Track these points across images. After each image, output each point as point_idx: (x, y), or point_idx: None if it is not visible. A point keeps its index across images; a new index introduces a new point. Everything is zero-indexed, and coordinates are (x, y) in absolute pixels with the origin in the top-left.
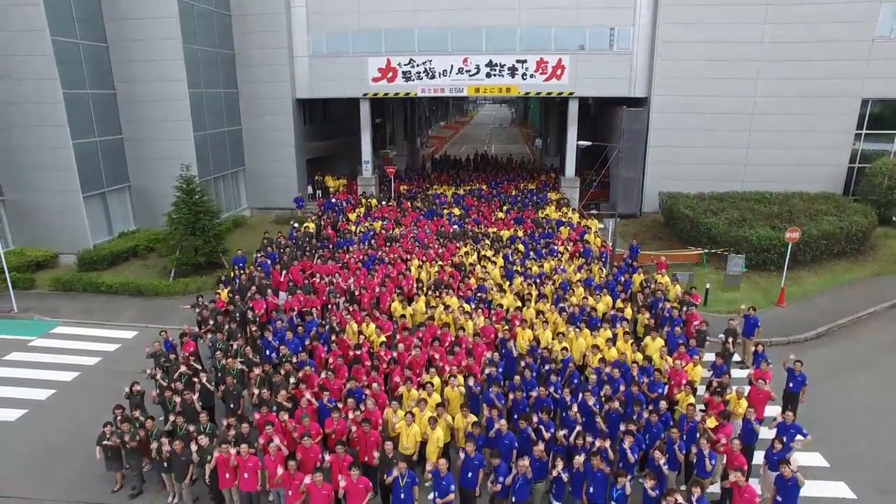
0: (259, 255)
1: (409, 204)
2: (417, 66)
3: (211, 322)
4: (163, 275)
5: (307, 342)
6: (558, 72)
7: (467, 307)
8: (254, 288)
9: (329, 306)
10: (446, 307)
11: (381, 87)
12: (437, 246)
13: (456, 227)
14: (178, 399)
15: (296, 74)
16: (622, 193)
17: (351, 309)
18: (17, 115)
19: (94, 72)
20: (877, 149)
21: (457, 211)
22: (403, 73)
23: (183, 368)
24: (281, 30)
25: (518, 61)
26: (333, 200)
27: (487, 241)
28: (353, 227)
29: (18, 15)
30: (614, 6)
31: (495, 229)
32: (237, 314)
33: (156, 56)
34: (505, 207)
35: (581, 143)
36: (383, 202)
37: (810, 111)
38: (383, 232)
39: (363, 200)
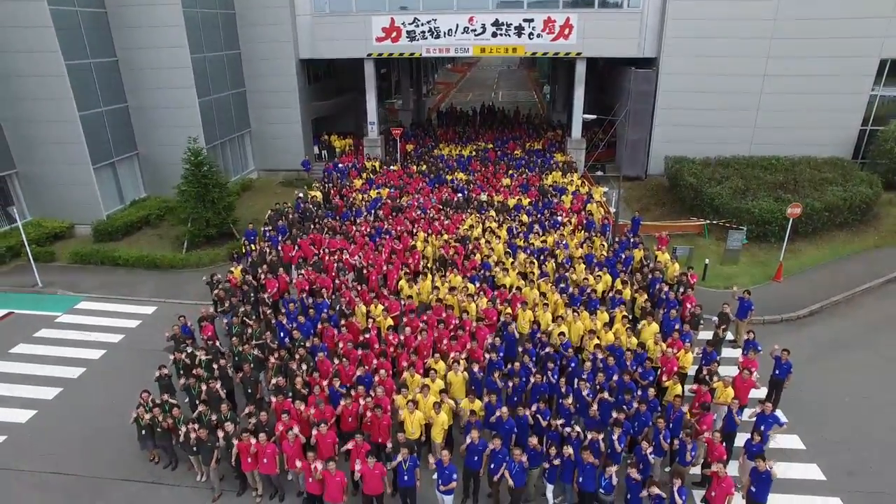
0: (268, 228)
1: (414, 168)
2: (422, 25)
3: (227, 303)
4: (176, 245)
5: (318, 325)
6: (566, 31)
7: (471, 287)
8: (265, 266)
9: (338, 283)
10: (451, 289)
11: (385, 47)
12: (442, 217)
13: (461, 194)
14: (203, 387)
15: (298, 34)
16: (628, 155)
17: (360, 289)
18: (23, 88)
19: (95, 40)
20: (892, 110)
21: (462, 175)
22: (408, 32)
23: (202, 355)
24: None
25: (525, 20)
26: (340, 165)
27: (492, 212)
28: (360, 196)
29: None
30: None
31: (501, 197)
32: (251, 294)
33: (156, 22)
34: (510, 172)
35: (587, 116)
36: (389, 167)
37: (824, 72)
38: (389, 201)
39: (368, 164)
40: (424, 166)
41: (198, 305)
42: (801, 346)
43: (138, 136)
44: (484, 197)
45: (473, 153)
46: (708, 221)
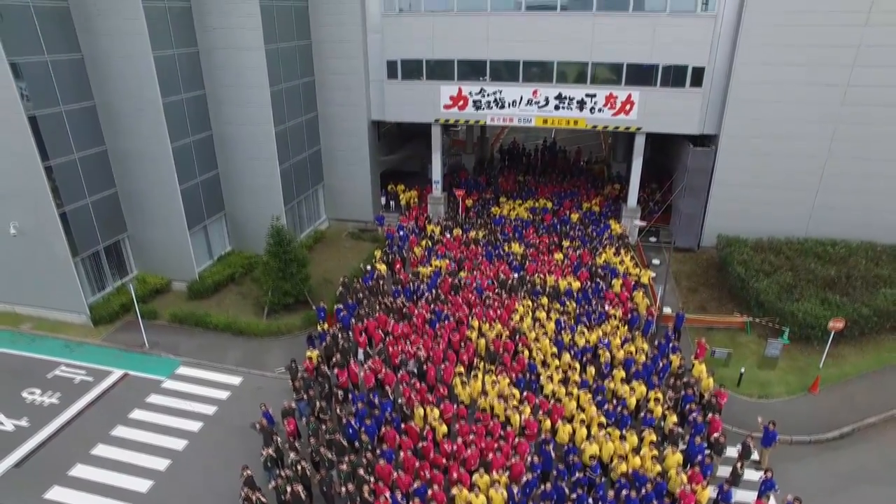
0: (339, 307)
1: (472, 234)
2: (488, 95)
3: (304, 395)
4: (257, 307)
5: (382, 428)
6: (627, 107)
7: (517, 394)
8: (338, 355)
9: (400, 376)
10: (499, 397)
11: (451, 114)
12: (496, 304)
13: (515, 275)
14: (289, 489)
15: (371, 98)
16: (682, 228)
17: (418, 386)
18: (137, 166)
19: (196, 119)
20: None
21: (517, 249)
22: (474, 101)
23: (293, 456)
24: (357, 56)
25: (587, 95)
26: (401, 231)
27: (544, 299)
28: (421, 269)
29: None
30: (691, 43)
31: (553, 279)
32: (325, 385)
33: (243, 100)
34: (565, 244)
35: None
36: (446, 233)
37: (888, 157)
38: (448, 278)
39: (428, 228)
40: (482, 233)
41: (277, 379)
42: (823, 477)
43: (226, 198)
44: (537, 280)
45: (529, 216)
46: (751, 319)
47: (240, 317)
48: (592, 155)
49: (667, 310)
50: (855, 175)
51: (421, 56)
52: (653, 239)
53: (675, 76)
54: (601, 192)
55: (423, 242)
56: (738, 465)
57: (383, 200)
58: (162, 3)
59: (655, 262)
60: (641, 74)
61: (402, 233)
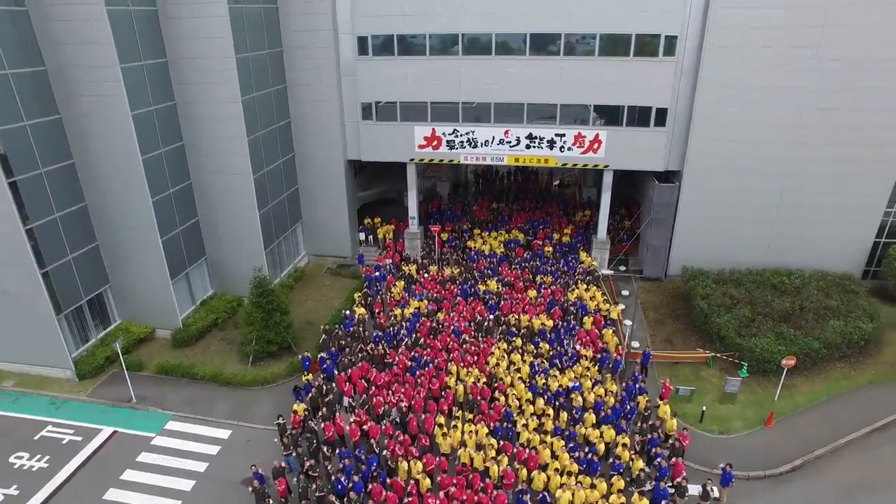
0: (323, 356)
1: (447, 272)
2: (461, 135)
3: (293, 452)
4: (242, 354)
5: (368, 485)
6: (595, 145)
7: (494, 444)
8: (324, 409)
9: (385, 427)
10: (478, 447)
11: (426, 154)
12: (472, 345)
13: (491, 315)
14: None
15: (346, 138)
16: (649, 258)
17: (401, 439)
18: (116, 218)
19: (175, 170)
20: None
21: (492, 286)
22: (448, 141)
23: None
24: (332, 99)
25: (557, 135)
26: (377, 273)
27: (518, 341)
28: (398, 311)
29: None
30: (654, 86)
31: (527, 317)
32: (314, 440)
33: (226, 151)
34: (538, 279)
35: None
36: (423, 272)
37: (840, 191)
38: (427, 321)
39: (405, 268)
40: (458, 270)
41: (266, 430)
42: None
43: (207, 244)
44: (512, 320)
45: (503, 251)
46: (713, 354)
47: (225, 366)
48: (564, 177)
49: (635, 344)
50: (807, 207)
51: (395, 98)
52: (622, 268)
53: (640, 116)
54: (573, 218)
55: (400, 283)
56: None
57: (361, 236)
58: (139, 62)
59: (625, 292)
60: (608, 115)
61: (379, 273)
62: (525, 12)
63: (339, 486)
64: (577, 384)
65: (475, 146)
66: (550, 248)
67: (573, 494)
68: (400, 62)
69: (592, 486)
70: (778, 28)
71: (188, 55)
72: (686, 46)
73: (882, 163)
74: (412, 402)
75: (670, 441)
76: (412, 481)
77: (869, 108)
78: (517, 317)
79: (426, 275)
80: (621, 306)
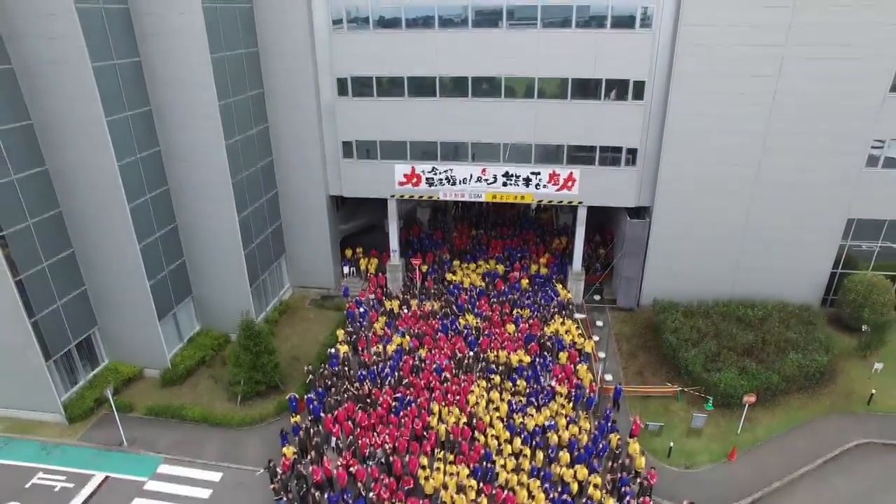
0: (310, 396)
1: (427, 307)
2: (440, 173)
3: (282, 493)
4: (230, 393)
5: None
6: (569, 183)
7: (474, 485)
8: (312, 453)
9: (370, 470)
10: (458, 489)
11: (406, 190)
12: (453, 384)
13: (470, 352)
14: None
15: (328, 175)
16: (622, 289)
17: (387, 482)
18: (102, 259)
19: (161, 214)
20: (863, 251)
21: (472, 321)
22: (427, 179)
23: None
24: (314, 138)
25: (532, 173)
26: (361, 310)
27: (496, 378)
28: (381, 348)
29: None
30: (625, 127)
31: (505, 353)
32: (303, 485)
33: (211, 196)
34: (515, 312)
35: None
36: (404, 308)
37: (798, 226)
38: (409, 358)
39: (386, 304)
40: (437, 305)
41: (254, 471)
42: None
43: (193, 283)
44: (491, 357)
45: (482, 283)
46: (681, 389)
47: (214, 405)
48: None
49: (608, 377)
50: (769, 242)
51: (374, 138)
52: (597, 297)
53: (612, 156)
54: (549, 245)
55: (382, 319)
56: None
57: (345, 269)
58: (123, 112)
59: (599, 323)
60: (582, 154)
61: (361, 309)
62: (500, 59)
63: None
64: (553, 423)
65: (454, 183)
66: (527, 281)
67: None
68: (379, 103)
69: None
70: (734, 76)
71: (173, 103)
72: (654, 91)
73: (836, 199)
74: (396, 444)
75: (639, 480)
76: None
77: (821, 151)
78: (496, 353)
79: (407, 310)
80: (595, 338)
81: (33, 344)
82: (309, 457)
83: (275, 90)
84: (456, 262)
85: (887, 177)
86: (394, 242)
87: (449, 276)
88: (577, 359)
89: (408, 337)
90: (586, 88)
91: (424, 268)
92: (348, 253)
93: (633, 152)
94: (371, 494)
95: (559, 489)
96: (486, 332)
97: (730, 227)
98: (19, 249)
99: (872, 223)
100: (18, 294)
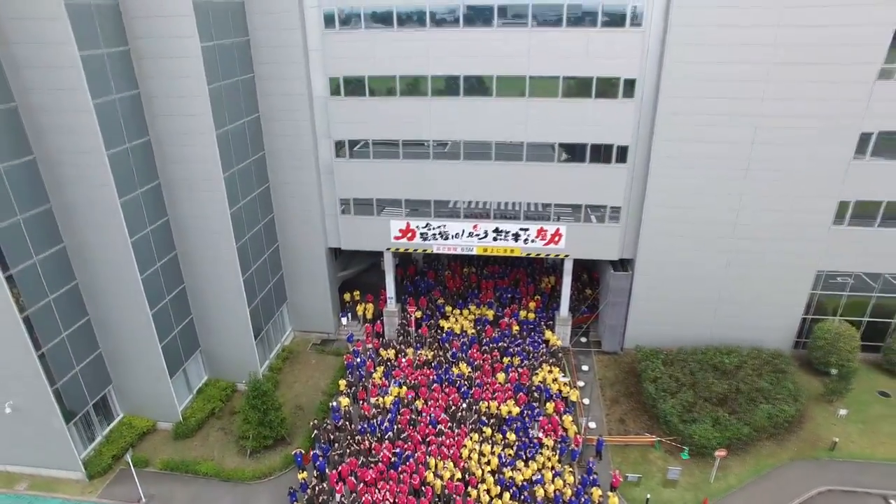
0: (315, 452)
1: (422, 356)
2: (433, 229)
3: None
4: (239, 447)
5: None
6: (556, 238)
7: None
8: None
9: None
10: None
11: (401, 244)
12: (447, 438)
13: (464, 404)
14: None
15: (327, 229)
16: (607, 335)
17: None
18: (117, 329)
19: (169, 278)
20: (832, 297)
21: (465, 370)
22: (421, 234)
23: None
24: (313, 195)
25: (521, 229)
26: (359, 360)
27: (488, 430)
28: (379, 400)
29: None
30: (610, 187)
31: (496, 404)
32: None
33: (215, 259)
34: (506, 361)
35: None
36: (401, 356)
37: (772, 277)
38: (406, 411)
39: (383, 353)
40: (431, 354)
41: None
42: None
43: (201, 337)
44: (483, 408)
45: (474, 331)
46: (659, 439)
47: (225, 459)
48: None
49: (592, 425)
50: (745, 291)
51: (370, 196)
52: (584, 339)
53: (596, 213)
54: (538, 283)
55: (380, 369)
56: None
57: (344, 321)
58: (135, 191)
59: (585, 367)
60: (568, 212)
61: (359, 359)
62: (489, 127)
63: None
64: (540, 477)
65: (447, 238)
66: (518, 327)
67: None
68: (375, 164)
69: None
70: (709, 141)
71: (182, 177)
72: (637, 153)
73: (807, 254)
74: (396, 500)
75: None
76: None
77: (792, 210)
78: (487, 404)
79: (403, 360)
80: (581, 383)
81: (55, 409)
82: None
83: (277, 152)
84: (448, 308)
85: (852, 234)
86: (390, 291)
87: (442, 323)
88: (563, 409)
89: (404, 387)
90: (573, 150)
91: (419, 314)
92: (346, 297)
93: (616, 210)
94: None
95: None
96: (478, 382)
97: (709, 279)
98: (41, 323)
99: (839, 275)
100: (40, 364)
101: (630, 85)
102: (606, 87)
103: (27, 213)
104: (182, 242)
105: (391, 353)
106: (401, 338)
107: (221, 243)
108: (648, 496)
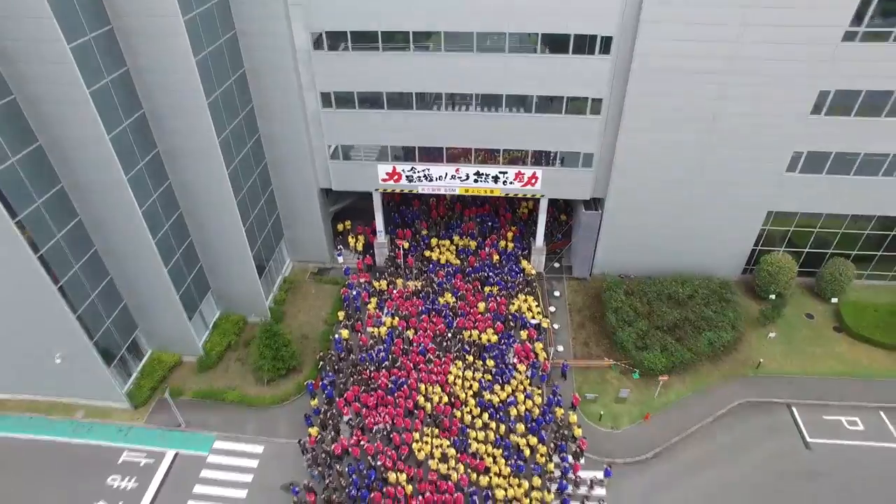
0: (323, 381)
1: (411, 286)
2: (418, 172)
3: (315, 470)
4: (257, 377)
5: (371, 493)
6: (532, 180)
7: (454, 455)
8: (332, 433)
9: (377, 446)
10: (443, 458)
11: (389, 185)
12: (436, 365)
13: (449, 333)
14: None
15: (317, 171)
16: (577, 263)
17: (390, 453)
18: (138, 285)
19: (178, 235)
20: (779, 232)
21: (450, 300)
22: (407, 176)
23: None
24: (304, 143)
25: (500, 172)
26: (354, 293)
27: (470, 357)
28: (373, 330)
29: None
30: (585, 135)
31: (477, 332)
32: (328, 459)
33: (217, 214)
34: (486, 290)
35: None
36: (391, 286)
37: (727, 215)
38: (399, 340)
39: (376, 284)
40: (420, 284)
41: (288, 444)
42: (641, 484)
43: (211, 281)
44: (466, 336)
45: (458, 262)
46: (615, 363)
47: (246, 387)
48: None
49: (560, 348)
50: (701, 227)
51: (358, 143)
52: (556, 265)
53: (569, 160)
54: (517, 210)
55: (374, 300)
56: (588, 489)
57: (340, 260)
58: (139, 165)
59: (556, 293)
60: (543, 158)
61: (355, 292)
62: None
63: (351, 493)
64: (513, 398)
65: (431, 180)
66: (497, 256)
67: (505, 490)
68: (362, 113)
69: (519, 485)
70: (678, 94)
71: (182, 146)
72: (610, 106)
73: (759, 198)
74: (394, 421)
75: (574, 446)
76: (399, 487)
77: (752, 157)
78: (469, 332)
79: (394, 290)
80: (552, 308)
81: (97, 359)
82: (330, 435)
83: (266, 103)
84: (434, 240)
85: (803, 180)
86: (380, 225)
87: (427, 254)
88: (536, 336)
89: (396, 318)
90: (551, 102)
91: (405, 245)
92: (339, 227)
93: (589, 156)
94: (378, 463)
95: (514, 458)
96: (461, 312)
97: (672, 216)
98: (73, 289)
99: (787, 214)
100: (79, 324)
101: (607, 42)
102: (583, 44)
103: (45, 196)
104: (186, 202)
105: (383, 283)
106: (390, 269)
107: (223, 201)
108: (602, 412)
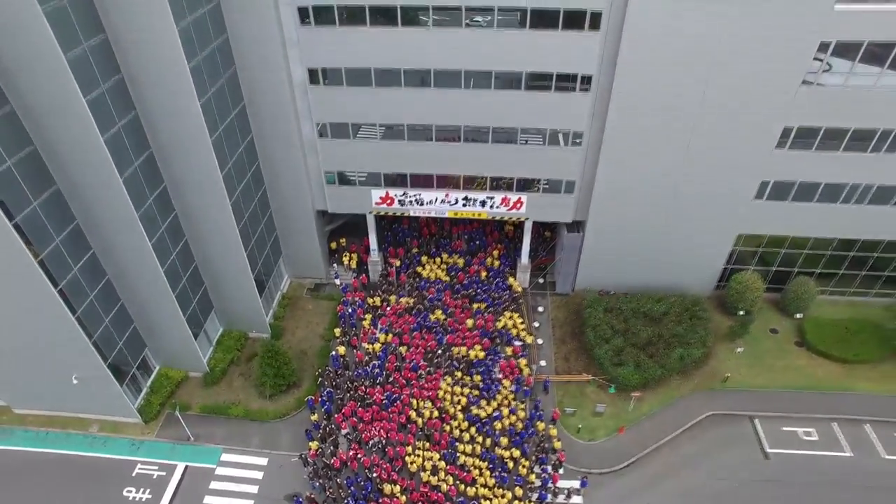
0: (322, 397)
1: (403, 303)
2: (410, 196)
3: (316, 483)
4: (260, 392)
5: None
6: (518, 205)
7: (443, 468)
8: (331, 447)
9: (373, 458)
10: (434, 470)
11: (382, 209)
12: (427, 381)
13: (439, 350)
14: None
15: (314, 195)
16: (560, 280)
17: (384, 466)
18: (147, 310)
19: (183, 261)
20: (749, 251)
21: (440, 316)
22: (399, 200)
23: None
24: (301, 169)
25: (487, 197)
26: (350, 310)
27: (458, 373)
28: (368, 346)
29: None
30: (567, 164)
31: (465, 348)
32: (328, 471)
33: (220, 241)
34: (475, 306)
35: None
36: (385, 303)
37: (700, 236)
38: (392, 356)
39: (370, 301)
40: (412, 300)
41: (289, 455)
42: (617, 495)
43: (214, 301)
44: (455, 352)
45: (447, 278)
46: (593, 378)
47: (249, 401)
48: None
49: (542, 363)
50: (675, 247)
51: (354, 170)
52: (541, 280)
53: (552, 187)
54: (502, 228)
55: (368, 316)
56: (566, 498)
57: (337, 281)
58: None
59: (540, 309)
60: (528, 185)
61: (350, 310)
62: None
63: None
64: (498, 413)
65: (422, 204)
66: (485, 273)
67: (491, 501)
68: (355, 143)
69: (503, 495)
70: (654, 129)
71: (186, 178)
72: (591, 135)
73: (729, 222)
74: (388, 435)
75: (554, 458)
76: (394, 498)
77: (723, 180)
78: (458, 349)
79: (387, 306)
80: (536, 323)
81: (111, 380)
82: (329, 449)
83: (263, 132)
84: (424, 258)
85: (769, 206)
86: (373, 244)
87: (419, 270)
88: (520, 352)
89: (390, 335)
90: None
91: (397, 262)
92: (332, 245)
93: (571, 183)
94: (374, 475)
95: (499, 470)
96: (451, 329)
97: (648, 238)
98: (88, 317)
99: (756, 236)
100: (93, 347)
101: (586, 80)
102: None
103: (63, 233)
104: (191, 230)
105: (377, 300)
106: (384, 286)
107: (226, 229)
108: (580, 426)
